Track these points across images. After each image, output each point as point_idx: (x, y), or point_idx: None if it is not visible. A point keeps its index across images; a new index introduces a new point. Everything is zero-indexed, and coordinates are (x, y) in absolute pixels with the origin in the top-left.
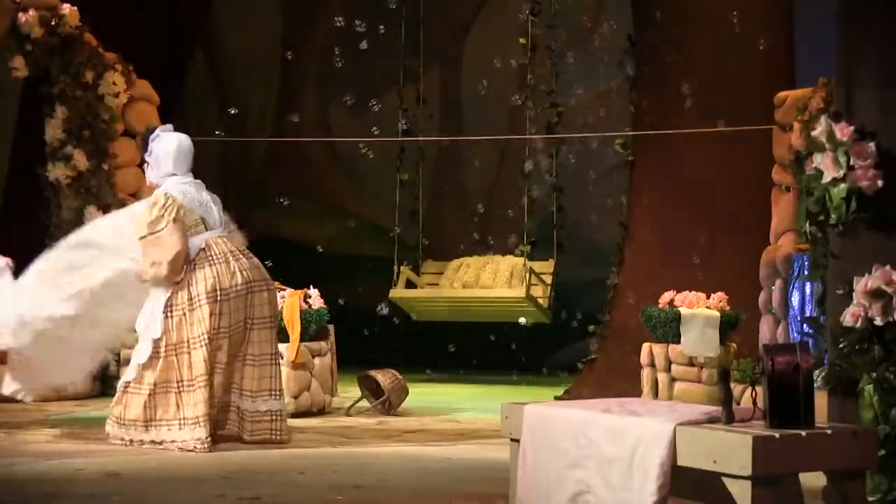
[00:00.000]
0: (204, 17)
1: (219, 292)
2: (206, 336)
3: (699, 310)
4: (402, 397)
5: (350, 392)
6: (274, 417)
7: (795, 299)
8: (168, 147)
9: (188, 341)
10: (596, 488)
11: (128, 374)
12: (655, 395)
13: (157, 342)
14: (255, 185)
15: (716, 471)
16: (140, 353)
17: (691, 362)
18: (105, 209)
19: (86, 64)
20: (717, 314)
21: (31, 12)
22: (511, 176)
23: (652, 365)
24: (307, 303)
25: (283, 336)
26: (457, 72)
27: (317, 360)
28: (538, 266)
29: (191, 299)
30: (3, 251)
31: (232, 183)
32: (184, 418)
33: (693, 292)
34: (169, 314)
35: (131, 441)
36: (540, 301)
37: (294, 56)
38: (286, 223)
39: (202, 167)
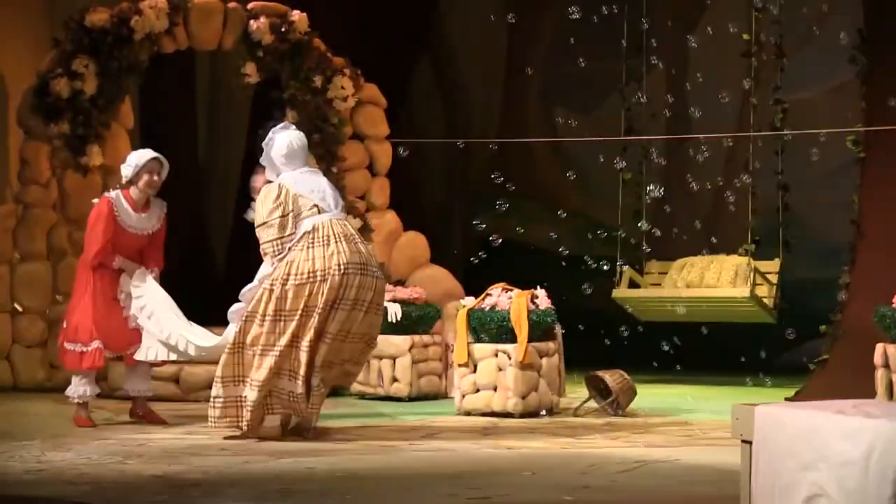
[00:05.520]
0: (429, 19)
1: (311, 274)
2: (293, 312)
3: None
4: (630, 397)
5: (578, 392)
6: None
7: None
8: (278, 148)
9: (279, 313)
10: (830, 491)
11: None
12: (890, 396)
13: (251, 309)
14: (479, 186)
15: None
16: (236, 317)
17: None
18: None
19: (315, 69)
20: None
21: (262, 19)
22: (736, 174)
23: (886, 366)
24: (534, 303)
25: (511, 336)
26: (681, 70)
27: (544, 361)
28: (763, 265)
29: (286, 277)
30: (239, 255)
31: (456, 184)
32: (251, 378)
33: None
34: (267, 287)
35: (214, 398)
36: (765, 301)
37: (519, 55)
38: (511, 223)
39: (429, 168)
